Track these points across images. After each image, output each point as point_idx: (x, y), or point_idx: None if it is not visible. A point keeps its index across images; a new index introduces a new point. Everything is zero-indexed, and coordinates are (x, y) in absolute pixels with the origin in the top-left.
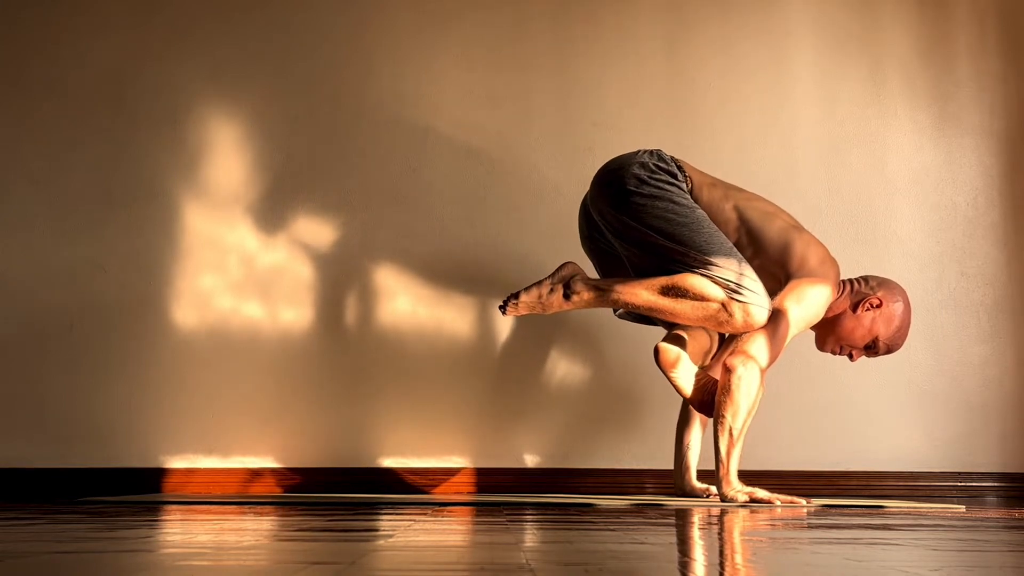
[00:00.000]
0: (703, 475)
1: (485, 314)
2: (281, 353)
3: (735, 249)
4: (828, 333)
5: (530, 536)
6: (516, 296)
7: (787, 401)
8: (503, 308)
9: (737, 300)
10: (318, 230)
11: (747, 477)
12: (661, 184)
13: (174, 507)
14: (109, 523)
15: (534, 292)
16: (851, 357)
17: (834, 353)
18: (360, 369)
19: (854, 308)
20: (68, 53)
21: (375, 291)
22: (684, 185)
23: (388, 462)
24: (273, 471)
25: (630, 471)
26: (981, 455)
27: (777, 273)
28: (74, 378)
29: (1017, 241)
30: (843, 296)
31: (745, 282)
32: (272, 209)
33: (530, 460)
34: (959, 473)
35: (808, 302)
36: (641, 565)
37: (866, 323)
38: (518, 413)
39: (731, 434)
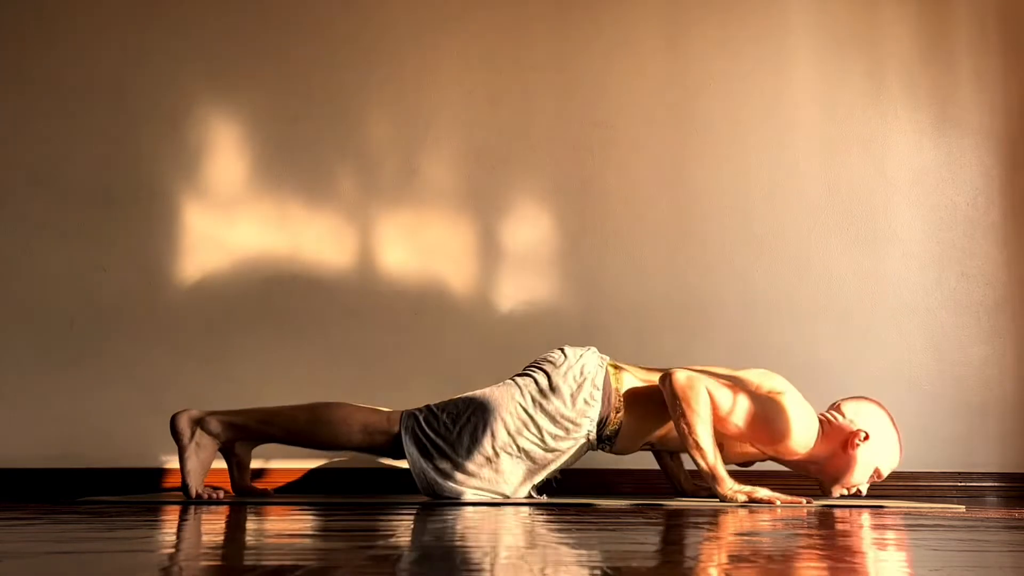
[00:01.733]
0: (697, 475)
1: (485, 314)
2: (280, 353)
3: (478, 452)
4: (830, 480)
5: (530, 536)
6: (186, 486)
7: None
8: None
9: (402, 429)
10: (318, 230)
11: (748, 477)
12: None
13: (174, 507)
14: (109, 523)
15: (192, 462)
16: (859, 494)
17: (844, 495)
18: (360, 368)
19: (843, 448)
20: (68, 53)
21: (375, 292)
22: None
23: (387, 462)
24: (273, 471)
25: (629, 471)
26: (981, 455)
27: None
28: (74, 378)
29: (1017, 241)
30: (824, 436)
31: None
32: (272, 209)
33: None
34: (959, 473)
35: (771, 401)
36: (640, 565)
37: (865, 459)
38: None
39: (698, 441)
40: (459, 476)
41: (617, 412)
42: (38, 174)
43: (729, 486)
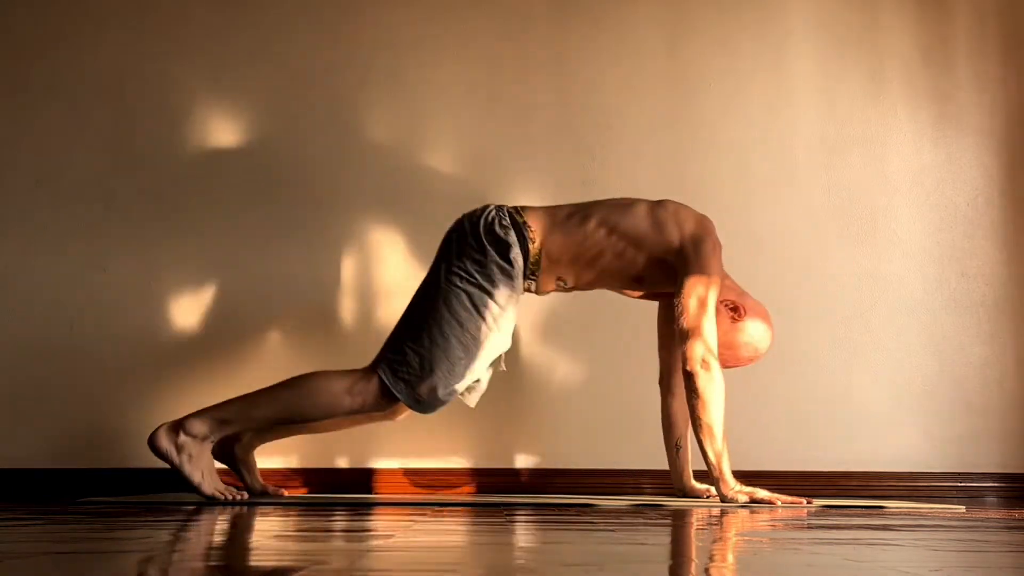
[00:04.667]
0: (699, 476)
1: None
2: (280, 354)
3: (458, 358)
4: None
5: (530, 536)
6: (201, 493)
7: (787, 401)
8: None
9: (381, 375)
10: (318, 230)
11: (747, 477)
12: (474, 271)
13: (173, 507)
14: (109, 523)
15: (195, 473)
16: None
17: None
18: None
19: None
20: (68, 53)
21: (374, 291)
22: (512, 260)
23: (388, 463)
24: (273, 471)
25: (629, 471)
26: (981, 455)
27: (666, 257)
28: (74, 378)
29: (1017, 241)
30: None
31: (411, 360)
32: (272, 209)
33: (529, 461)
34: (959, 473)
35: (710, 267)
36: (641, 566)
37: (723, 328)
38: (518, 413)
39: (713, 435)
40: (452, 380)
41: (533, 242)
42: (39, 174)
43: (731, 486)
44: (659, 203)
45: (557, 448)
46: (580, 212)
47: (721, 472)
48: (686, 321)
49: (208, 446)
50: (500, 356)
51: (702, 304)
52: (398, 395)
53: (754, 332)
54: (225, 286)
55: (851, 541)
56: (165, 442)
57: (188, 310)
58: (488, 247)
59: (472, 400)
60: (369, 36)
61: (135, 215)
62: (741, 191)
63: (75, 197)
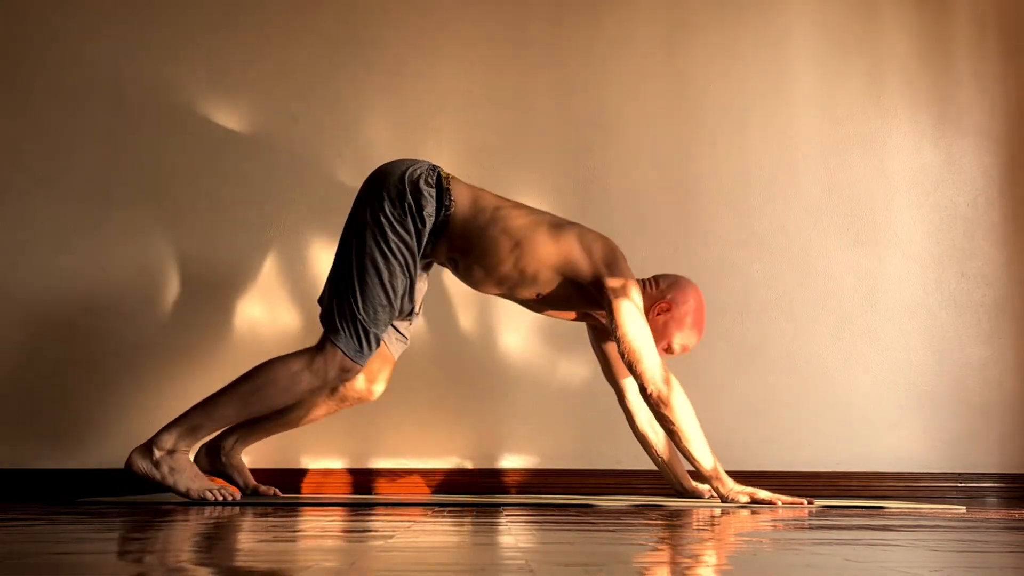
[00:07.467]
0: (695, 477)
1: (485, 314)
2: (281, 353)
3: (383, 303)
4: None
5: (530, 536)
6: (189, 498)
7: (788, 402)
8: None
9: (331, 343)
10: (318, 230)
11: (748, 478)
12: (391, 214)
13: (174, 508)
14: (109, 523)
15: (180, 481)
16: None
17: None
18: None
19: (646, 312)
20: (68, 53)
21: None
22: (426, 217)
23: (387, 462)
24: (273, 472)
25: (629, 472)
26: (981, 455)
27: (577, 280)
28: (74, 378)
29: (1017, 241)
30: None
31: (354, 323)
32: (272, 209)
33: (529, 461)
34: (959, 474)
35: (628, 288)
36: (641, 566)
37: (659, 327)
38: (518, 413)
39: (697, 443)
40: (375, 324)
41: (449, 210)
42: (38, 174)
43: (730, 486)
44: (563, 226)
45: (557, 448)
46: (497, 213)
47: (717, 474)
48: (629, 350)
49: (184, 455)
50: (415, 309)
51: (637, 325)
52: (338, 345)
53: (686, 321)
54: (225, 285)
55: (851, 541)
56: (141, 464)
57: (188, 310)
58: (409, 197)
59: (396, 351)
60: (369, 36)
61: (135, 215)
62: (741, 191)
63: (75, 197)
